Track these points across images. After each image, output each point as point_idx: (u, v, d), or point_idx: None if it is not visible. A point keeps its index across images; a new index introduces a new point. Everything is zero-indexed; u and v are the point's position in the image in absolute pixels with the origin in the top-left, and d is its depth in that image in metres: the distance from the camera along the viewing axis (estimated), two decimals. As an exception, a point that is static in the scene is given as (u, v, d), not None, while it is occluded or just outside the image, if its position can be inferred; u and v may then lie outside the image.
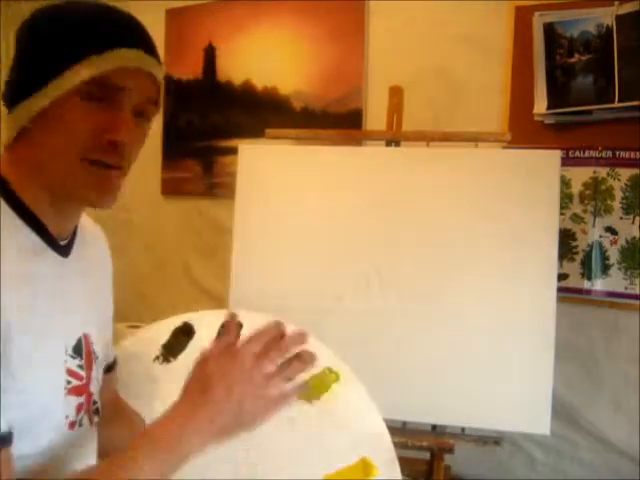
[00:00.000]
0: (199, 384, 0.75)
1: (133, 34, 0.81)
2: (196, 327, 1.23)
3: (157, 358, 1.17)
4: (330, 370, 1.18)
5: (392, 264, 1.71)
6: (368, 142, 2.07)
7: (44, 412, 0.72)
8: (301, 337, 0.81)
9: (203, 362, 0.77)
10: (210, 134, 2.65)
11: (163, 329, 1.22)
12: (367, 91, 2.33)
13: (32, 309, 0.72)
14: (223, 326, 0.81)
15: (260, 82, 2.53)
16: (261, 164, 1.85)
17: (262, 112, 2.52)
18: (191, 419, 0.72)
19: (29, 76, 0.76)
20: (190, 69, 2.69)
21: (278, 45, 2.49)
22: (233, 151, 2.00)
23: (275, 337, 0.79)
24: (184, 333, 1.22)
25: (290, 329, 0.81)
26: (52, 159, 0.76)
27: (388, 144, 1.85)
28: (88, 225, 0.92)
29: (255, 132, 2.34)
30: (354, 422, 1.14)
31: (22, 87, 0.76)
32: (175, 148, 2.73)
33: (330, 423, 1.12)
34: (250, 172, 1.85)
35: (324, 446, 1.09)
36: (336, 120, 2.36)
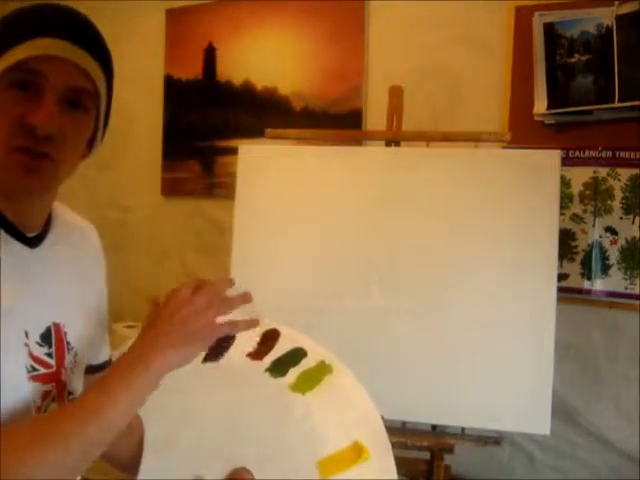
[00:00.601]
0: (151, 318, 0.84)
1: (60, 26, 0.79)
2: None
3: None
4: (323, 363, 1.20)
5: (392, 264, 1.72)
6: (368, 142, 2.07)
7: (5, 394, 0.74)
8: (246, 297, 0.91)
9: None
10: (210, 134, 2.65)
11: None
12: (367, 91, 2.33)
13: None
14: None
15: (260, 82, 2.53)
16: (261, 164, 1.85)
17: (262, 112, 2.52)
18: (150, 342, 0.81)
19: None
20: (190, 69, 2.69)
21: (278, 45, 2.49)
22: (233, 151, 2.00)
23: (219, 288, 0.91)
24: None
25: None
26: None
27: (388, 144, 1.85)
28: (75, 221, 0.94)
29: (255, 132, 2.34)
30: (345, 408, 1.16)
31: None
32: (175, 148, 2.73)
33: (321, 410, 1.14)
34: (250, 172, 1.85)
35: (316, 432, 1.11)
36: (336, 120, 2.36)
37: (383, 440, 1.10)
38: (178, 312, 0.84)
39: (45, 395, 0.81)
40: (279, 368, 1.20)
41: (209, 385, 1.15)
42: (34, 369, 0.79)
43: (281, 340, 1.25)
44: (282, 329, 1.28)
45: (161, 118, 2.74)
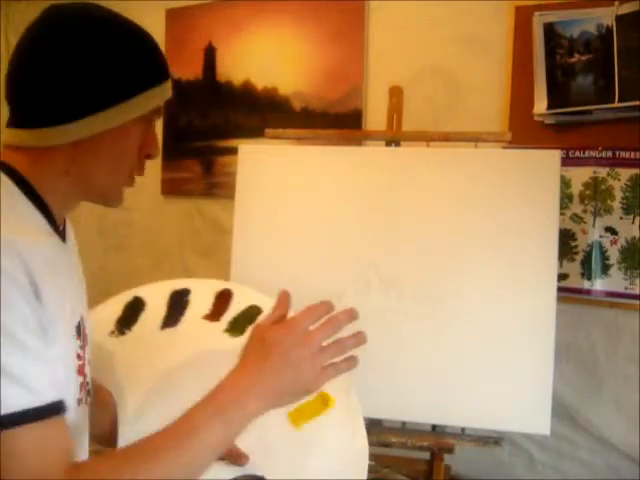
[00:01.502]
0: (257, 352, 0.79)
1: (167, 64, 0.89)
2: (147, 300, 1.29)
3: (112, 332, 1.22)
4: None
5: (392, 264, 1.72)
6: (368, 142, 2.07)
7: (67, 388, 0.77)
8: (350, 314, 0.83)
9: (258, 332, 0.82)
10: (210, 134, 2.65)
11: (116, 305, 1.28)
12: (367, 91, 2.33)
13: (55, 288, 0.75)
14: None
15: (260, 82, 2.53)
16: (261, 164, 1.85)
17: (262, 112, 2.52)
18: (253, 383, 0.77)
19: (98, 92, 0.79)
20: (190, 69, 2.68)
21: (278, 45, 2.49)
22: (233, 151, 2.00)
23: (326, 313, 0.83)
24: (135, 306, 1.28)
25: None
26: (103, 173, 0.83)
27: (388, 144, 1.85)
28: None
29: (255, 132, 2.34)
30: None
31: (87, 101, 0.78)
32: (175, 148, 2.73)
33: None
34: (250, 172, 1.85)
35: None
36: (336, 120, 2.36)
37: (344, 382, 1.08)
38: (292, 352, 0.79)
39: (82, 387, 0.84)
40: (236, 327, 1.23)
41: (172, 352, 1.17)
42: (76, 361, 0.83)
43: (235, 299, 1.26)
44: (234, 288, 1.28)
45: (161, 118, 2.74)
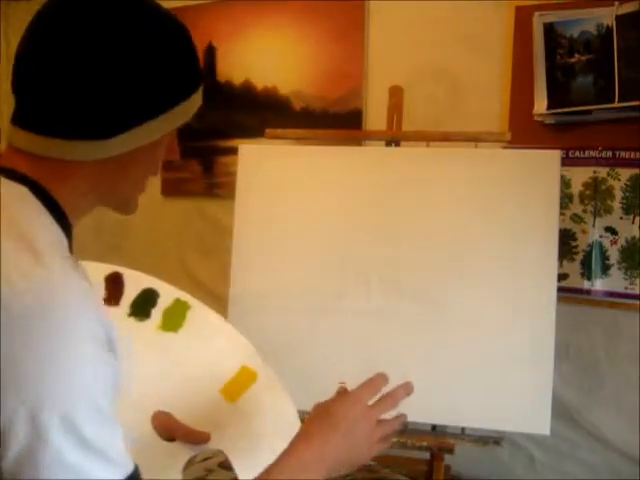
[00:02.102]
0: (322, 424, 0.84)
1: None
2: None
3: None
4: (179, 300, 1.25)
5: (392, 264, 1.71)
6: (368, 142, 2.07)
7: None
8: (407, 388, 0.89)
9: (325, 405, 0.87)
10: (210, 134, 2.65)
11: None
12: (367, 91, 2.33)
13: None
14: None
15: (260, 82, 2.53)
16: (261, 164, 1.85)
17: (262, 112, 2.51)
18: (317, 457, 0.81)
19: (143, 103, 0.70)
20: (190, 69, 2.68)
21: (278, 45, 2.49)
22: (233, 151, 2.00)
23: (383, 385, 0.89)
24: None
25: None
26: (130, 185, 0.78)
27: (388, 144, 1.85)
28: None
29: (255, 132, 2.34)
30: (218, 338, 1.22)
31: (129, 115, 0.70)
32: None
33: (200, 344, 1.20)
34: (250, 172, 1.85)
35: (206, 365, 1.17)
36: (336, 120, 2.36)
37: (257, 358, 1.19)
38: (354, 427, 0.84)
39: None
40: (140, 310, 1.23)
41: None
42: None
43: (127, 282, 1.26)
44: (122, 271, 1.29)
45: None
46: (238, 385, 1.15)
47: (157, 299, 1.25)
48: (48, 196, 0.70)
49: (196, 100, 0.78)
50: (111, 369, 0.63)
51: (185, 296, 1.27)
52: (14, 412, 0.57)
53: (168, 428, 1.00)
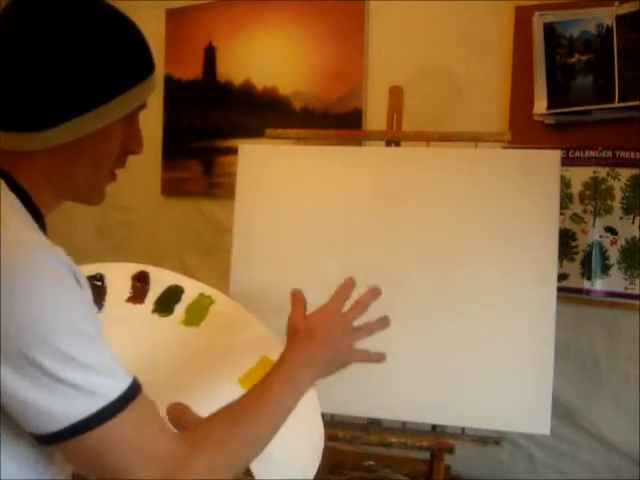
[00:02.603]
0: (303, 334, 0.96)
1: (152, 54, 0.83)
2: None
3: None
4: (203, 295, 1.28)
5: (392, 264, 1.71)
6: (368, 142, 2.07)
7: None
8: (374, 293, 1.03)
9: (296, 319, 0.99)
10: (210, 134, 2.65)
11: None
12: (367, 91, 2.33)
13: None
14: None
15: (260, 82, 2.53)
16: (261, 164, 1.85)
17: (262, 112, 2.51)
18: (306, 358, 0.93)
19: (77, 96, 0.73)
20: (190, 69, 2.68)
21: (278, 45, 2.49)
22: (233, 151, 2.00)
23: (351, 290, 1.02)
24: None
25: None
26: (85, 173, 0.79)
27: (388, 144, 1.85)
28: None
29: (255, 132, 2.34)
30: (240, 330, 1.26)
31: (64, 107, 0.73)
32: (175, 148, 2.73)
33: (221, 336, 1.24)
34: (250, 172, 1.85)
35: (227, 356, 1.20)
36: (336, 120, 2.36)
37: (279, 348, 1.19)
38: (332, 332, 0.97)
39: None
40: (164, 307, 1.26)
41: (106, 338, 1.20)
42: None
43: (153, 280, 1.28)
44: (148, 269, 1.30)
45: (161, 118, 2.74)
46: (257, 375, 1.15)
47: (181, 295, 1.27)
48: (15, 184, 0.75)
49: (140, 92, 0.78)
50: (82, 296, 0.70)
51: (209, 290, 1.29)
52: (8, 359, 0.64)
53: (183, 421, 1.03)
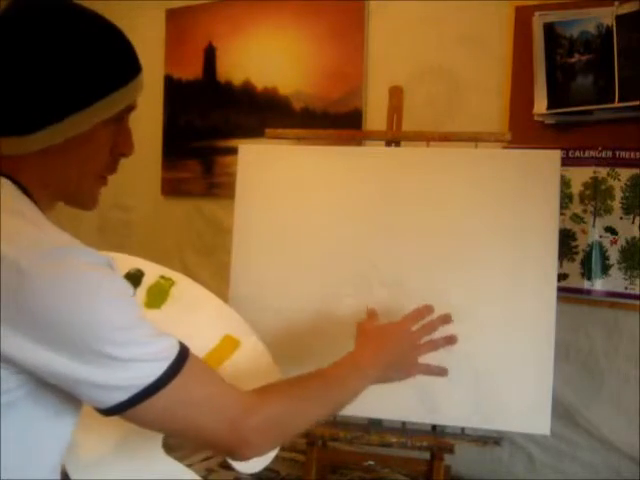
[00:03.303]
0: (374, 340, 1.09)
1: (137, 56, 0.84)
2: None
3: None
4: (164, 277, 1.32)
5: (392, 264, 1.71)
6: (368, 142, 2.07)
7: None
8: (444, 319, 1.18)
9: (369, 327, 1.15)
10: (210, 134, 2.65)
11: None
12: (367, 91, 2.33)
13: None
14: None
15: (260, 82, 2.53)
16: (261, 164, 1.85)
17: (262, 112, 2.52)
18: (372, 359, 1.05)
19: (59, 100, 0.74)
20: (190, 69, 2.69)
21: (278, 45, 2.49)
22: (233, 151, 2.00)
23: (426, 315, 1.16)
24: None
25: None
26: (75, 177, 0.81)
27: (388, 144, 1.85)
28: None
29: (255, 132, 2.34)
30: (201, 309, 1.28)
31: (47, 112, 0.74)
32: (175, 148, 2.73)
33: (183, 316, 1.26)
34: (250, 172, 1.85)
35: (189, 337, 1.19)
36: (336, 120, 2.36)
37: (243, 326, 1.27)
38: (400, 343, 1.11)
39: None
40: None
41: None
42: None
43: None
44: (109, 255, 1.31)
45: (161, 118, 2.74)
46: (220, 353, 1.20)
47: (141, 278, 1.30)
48: (21, 185, 0.77)
49: (124, 95, 0.79)
50: (121, 288, 0.75)
51: (170, 273, 1.33)
52: (50, 360, 0.68)
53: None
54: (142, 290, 1.28)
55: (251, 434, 0.79)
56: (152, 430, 0.79)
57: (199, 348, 1.18)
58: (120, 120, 0.82)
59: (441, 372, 1.17)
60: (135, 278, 1.30)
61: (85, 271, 0.70)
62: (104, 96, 0.77)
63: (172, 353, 0.76)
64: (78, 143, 0.78)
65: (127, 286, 0.77)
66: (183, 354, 0.77)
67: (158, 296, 1.28)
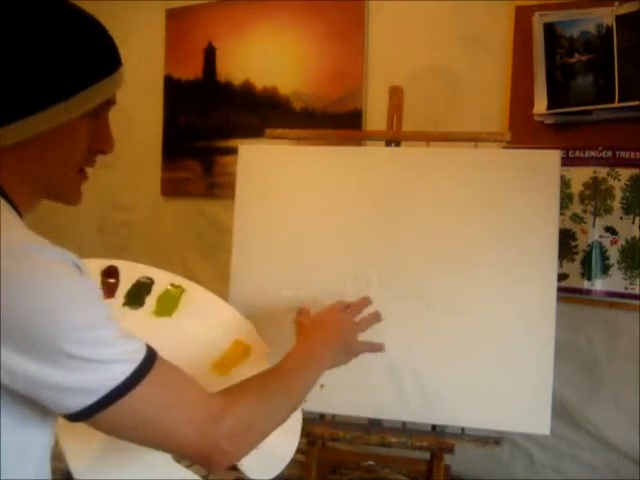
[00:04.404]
0: (314, 329, 1.12)
1: (118, 50, 0.83)
2: None
3: None
4: (173, 285, 1.31)
5: (392, 264, 1.71)
6: (368, 142, 2.07)
7: None
8: (365, 302, 1.26)
9: (304, 319, 1.19)
10: (210, 134, 2.65)
11: None
12: (367, 91, 2.33)
13: None
14: None
15: (260, 82, 2.53)
16: (261, 164, 1.85)
17: (262, 112, 2.52)
18: (321, 345, 1.08)
19: (34, 92, 0.73)
20: (190, 69, 2.69)
21: (278, 45, 2.49)
22: (233, 151, 2.00)
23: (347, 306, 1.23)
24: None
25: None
26: (53, 171, 0.80)
27: (388, 144, 1.85)
28: None
29: (255, 132, 2.34)
30: (212, 316, 1.29)
31: (21, 103, 0.73)
32: (175, 148, 2.73)
33: (194, 323, 1.27)
34: (250, 172, 1.85)
35: (199, 343, 1.23)
36: (336, 120, 2.36)
37: (252, 331, 1.29)
38: (338, 325, 1.15)
39: None
40: (135, 300, 1.28)
41: None
42: None
43: (122, 274, 1.30)
44: (119, 264, 1.32)
45: (161, 118, 2.74)
46: (230, 359, 1.21)
47: (151, 287, 1.30)
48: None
49: (102, 88, 0.78)
50: (86, 286, 0.73)
51: (180, 280, 1.32)
52: (9, 360, 0.66)
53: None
54: (152, 298, 1.28)
55: (223, 440, 0.77)
56: (120, 439, 0.76)
57: (209, 356, 1.18)
58: (99, 115, 0.81)
59: (380, 347, 1.25)
60: (145, 286, 1.30)
61: (45, 267, 0.68)
62: (83, 89, 0.75)
63: (139, 355, 0.74)
64: (55, 137, 0.76)
65: (94, 286, 0.76)
66: (151, 356, 0.75)
67: (169, 303, 1.28)
